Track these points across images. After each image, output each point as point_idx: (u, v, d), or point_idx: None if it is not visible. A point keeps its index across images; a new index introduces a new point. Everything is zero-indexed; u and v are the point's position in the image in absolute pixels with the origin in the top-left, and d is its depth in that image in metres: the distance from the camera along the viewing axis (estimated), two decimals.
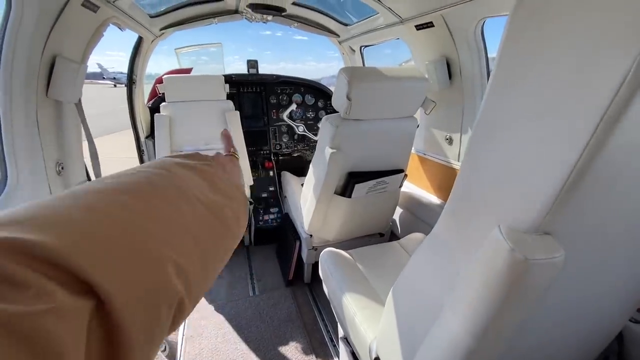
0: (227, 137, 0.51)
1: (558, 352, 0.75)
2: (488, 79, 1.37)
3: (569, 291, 0.57)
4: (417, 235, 1.53)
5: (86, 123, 1.19)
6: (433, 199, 1.75)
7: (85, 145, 1.26)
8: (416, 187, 1.92)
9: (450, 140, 1.61)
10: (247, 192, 2.16)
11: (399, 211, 1.95)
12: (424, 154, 1.82)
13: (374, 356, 0.92)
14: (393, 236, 1.98)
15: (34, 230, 0.17)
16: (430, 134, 1.75)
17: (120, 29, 1.54)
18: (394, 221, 1.99)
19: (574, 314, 0.65)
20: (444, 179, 1.68)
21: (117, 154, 6.85)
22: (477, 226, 0.52)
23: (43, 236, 0.17)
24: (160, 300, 0.21)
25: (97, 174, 1.29)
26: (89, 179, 1.29)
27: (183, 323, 1.68)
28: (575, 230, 0.45)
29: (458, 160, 1.58)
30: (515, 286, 0.43)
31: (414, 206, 1.83)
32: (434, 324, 0.61)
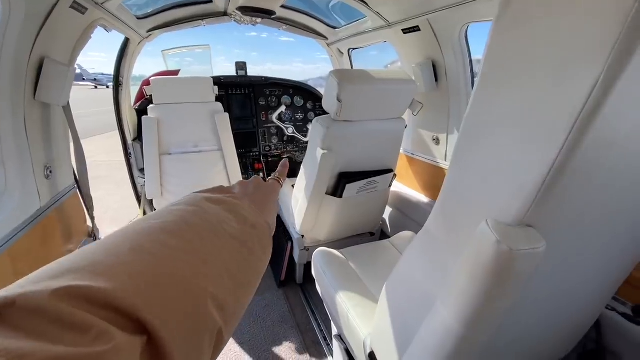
0: (284, 167, 0.54)
1: (540, 340, 0.80)
2: (472, 81, 1.43)
3: (550, 281, 0.61)
4: (407, 234, 1.56)
5: (74, 126, 1.17)
6: (421, 197, 1.79)
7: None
8: (405, 186, 1.96)
9: (437, 141, 1.66)
10: None
11: (388, 210, 1.99)
12: (412, 154, 1.86)
13: (368, 351, 0.94)
14: (383, 235, 2.02)
15: (90, 277, 0.19)
16: (418, 134, 1.79)
17: (106, 30, 1.52)
18: (384, 220, 2.03)
19: (555, 304, 0.69)
20: (432, 178, 1.73)
21: (96, 157, 6.71)
22: (466, 221, 0.56)
23: (99, 282, 0.19)
24: (202, 332, 0.23)
25: (84, 179, 1.27)
26: (77, 183, 1.27)
27: None
28: (555, 222, 0.49)
29: (445, 160, 1.63)
30: (501, 275, 0.46)
31: (403, 205, 1.88)
32: (427, 317, 0.64)
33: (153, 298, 0.20)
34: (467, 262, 0.51)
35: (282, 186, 0.49)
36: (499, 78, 0.50)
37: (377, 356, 0.90)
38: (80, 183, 1.28)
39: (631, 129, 0.44)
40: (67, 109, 1.14)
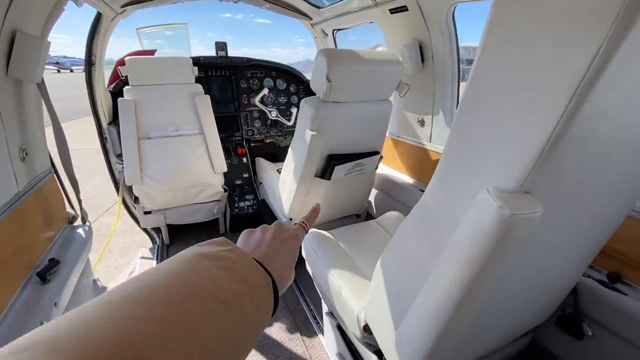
0: (315, 212, 0.53)
1: (524, 308, 0.85)
2: (458, 63, 1.45)
3: (538, 249, 0.64)
4: (394, 214, 1.60)
5: (51, 105, 1.10)
6: (407, 179, 1.83)
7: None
8: (390, 168, 2.00)
9: (422, 122, 1.68)
10: (222, 179, 2.12)
11: (374, 192, 2.02)
12: (398, 137, 1.89)
13: (362, 324, 0.97)
14: (369, 216, 2.06)
15: (48, 354, 0.18)
16: (403, 116, 1.82)
17: (76, 4, 1.41)
18: (369, 202, 2.06)
19: (540, 271, 0.74)
20: (417, 160, 1.76)
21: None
22: (465, 191, 0.57)
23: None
24: None
25: (66, 161, 1.20)
26: (54, 166, 1.20)
27: None
28: (549, 189, 0.51)
29: (430, 141, 1.67)
30: (501, 240, 0.48)
31: (389, 187, 1.91)
32: (423, 287, 0.67)
33: None
34: (467, 229, 0.53)
35: (307, 232, 0.48)
36: (502, 46, 0.52)
37: (372, 328, 0.93)
38: (64, 165, 1.21)
39: (623, 100, 0.47)
40: (41, 86, 1.06)
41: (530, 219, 0.47)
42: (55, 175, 1.21)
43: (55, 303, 0.93)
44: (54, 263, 1.01)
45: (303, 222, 0.48)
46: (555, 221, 0.60)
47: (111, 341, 0.20)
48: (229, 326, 0.28)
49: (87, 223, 1.30)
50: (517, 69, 0.49)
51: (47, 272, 0.96)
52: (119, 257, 2.69)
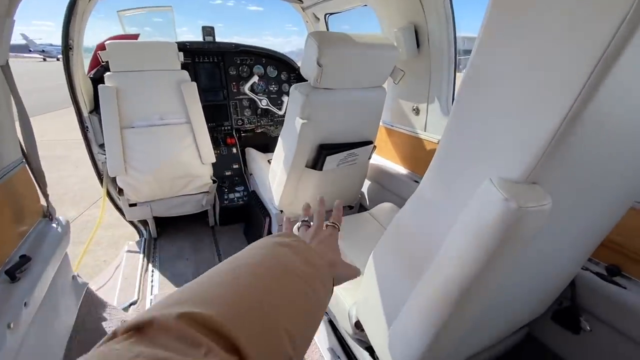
0: (338, 210, 0.59)
1: (522, 301, 0.82)
2: (455, 48, 1.39)
3: (541, 242, 0.60)
4: (387, 205, 1.56)
5: (17, 90, 1.01)
6: (400, 169, 1.78)
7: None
8: (384, 159, 1.95)
9: (417, 111, 1.63)
10: (210, 170, 2.05)
11: (367, 183, 1.98)
12: (391, 126, 1.83)
13: (354, 321, 0.93)
14: (362, 208, 2.02)
15: (201, 305, 0.25)
16: (397, 105, 1.76)
17: None
18: (362, 193, 2.01)
19: (541, 265, 0.70)
20: (411, 150, 1.71)
21: (51, 136, 6.17)
22: (466, 181, 0.52)
23: (207, 309, 0.25)
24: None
25: (32, 151, 1.12)
26: (25, 157, 1.11)
27: (149, 304, 1.59)
28: (558, 179, 0.47)
29: (425, 130, 1.61)
30: (507, 235, 0.43)
31: (382, 177, 1.86)
32: (419, 283, 0.62)
33: (245, 329, 0.25)
34: (469, 223, 0.48)
35: (339, 230, 0.55)
36: (506, 27, 0.46)
37: (364, 325, 0.89)
38: (29, 156, 1.12)
39: None
40: (6, 69, 0.97)
41: (539, 213, 0.42)
42: (28, 166, 1.13)
43: (26, 303, 0.87)
44: (24, 260, 0.94)
45: (333, 223, 0.55)
46: (560, 213, 0.56)
47: (245, 301, 0.28)
48: (309, 299, 0.34)
49: (60, 218, 1.23)
50: (527, 42, 0.43)
51: (16, 270, 0.90)
52: (107, 249, 2.63)
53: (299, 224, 0.59)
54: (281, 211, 1.70)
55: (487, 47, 0.49)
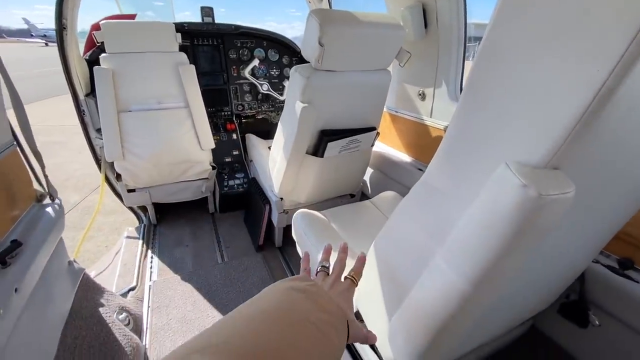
0: (361, 262, 0.56)
1: (531, 294, 0.78)
2: (465, 28, 1.31)
3: (556, 232, 0.56)
4: (390, 194, 1.52)
5: (4, 68, 0.96)
6: (404, 157, 1.73)
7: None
8: (387, 146, 1.89)
9: (423, 96, 1.56)
10: (210, 156, 2.01)
11: (369, 171, 1.93)
12: (396, 112, 1.77)
13: (353, 311, 0.90)
14: (363, 196, 1.98)
15: (213, 354, 0.27)
16: (403, 89, 1.69)
17: None
18: (364, 181, 1.97)
19: (551, 256, 0.66)
20: (416, 137, 1.66)
21: (52, 121, 6.12)
22: (478, 167, 0.48)
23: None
24: None
25: (27, 132, 1.07)
26: (16, 139, 1.07)
27: (147, 295, 1.58)
28: (583, 165, 0.42)
29: (430, 117, 1.55)
30: (524, 225, 0.39)
31: (385, 165, 1.81)
32: (423, 274, 0.59)
33: None
34: (480, 212, 0.44)
35: (357, 285, 0.53)
36: None
37: (363, 316, 0.86)
38: (25, 137, 1.08)
39: None
40: None
41: (561, 201, 0.38)
42: (19, 149, 1.09)
43: (17, 289, 0.85)
44: (15, 245, 0.91)
45: (352, 277, 0.53)
46: (578, 203, 0.52)
47: (255, 341, 0.30)
48: (322, 345, 0.34)
49: (57, 201, 1.20)
50: (552, 8, 0.38)
51: (7, 255, 0.87)
52: (109, 235, 2.63)
53: (318, 267, 0.55)
54: (281, 199, 1.66)
55: (505, 16, 0.44)
